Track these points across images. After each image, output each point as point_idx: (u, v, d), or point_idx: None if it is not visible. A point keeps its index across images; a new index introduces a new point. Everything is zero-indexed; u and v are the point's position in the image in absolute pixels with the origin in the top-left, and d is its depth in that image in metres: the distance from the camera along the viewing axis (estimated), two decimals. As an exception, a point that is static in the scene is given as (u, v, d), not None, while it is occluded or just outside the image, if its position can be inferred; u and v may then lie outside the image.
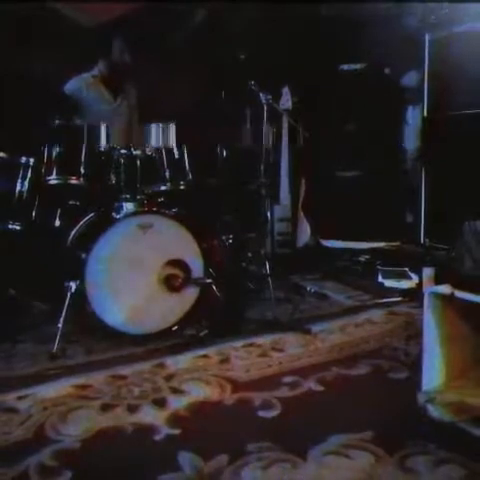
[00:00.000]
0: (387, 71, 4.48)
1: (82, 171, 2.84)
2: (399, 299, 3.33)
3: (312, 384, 2.20)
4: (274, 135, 4.14)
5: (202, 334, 2.72)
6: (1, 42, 3.75)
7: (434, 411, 1.80)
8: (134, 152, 2.89)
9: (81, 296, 2.58)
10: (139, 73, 3.86)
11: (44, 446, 1.75)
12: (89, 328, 2.72)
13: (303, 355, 2.53)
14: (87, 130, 2.87)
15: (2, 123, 3.15)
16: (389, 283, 3.60)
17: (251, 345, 2.65)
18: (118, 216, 2.78)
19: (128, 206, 2.84)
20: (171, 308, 2.78)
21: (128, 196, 2.86)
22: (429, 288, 1.87)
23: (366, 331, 2.84)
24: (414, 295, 3.28)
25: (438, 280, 1.87)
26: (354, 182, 4.51)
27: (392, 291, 3.48)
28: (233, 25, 4.50)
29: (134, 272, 2.70)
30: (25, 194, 2.79)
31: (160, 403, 2.05)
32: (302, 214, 4.24)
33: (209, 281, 2.85)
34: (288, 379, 2.24)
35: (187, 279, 2.78)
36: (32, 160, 2.81)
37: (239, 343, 2.66)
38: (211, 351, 2.56)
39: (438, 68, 3.95)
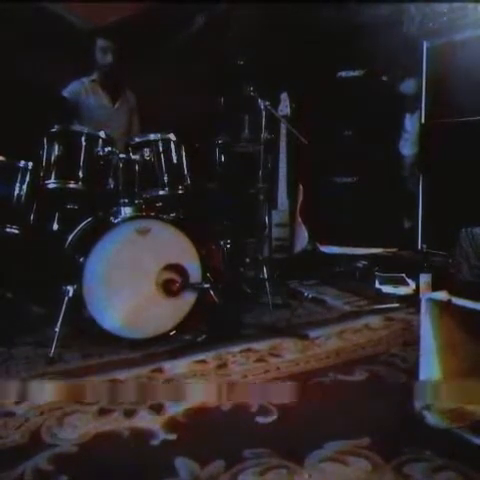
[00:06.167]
0: (385, 78, 4.50)
1: (80, 175, 2.84)
2: (396, 305, 3.34)
3: (309, 390, 2.19)
4: (272, 141, 4.15)
5: (199, 339, 2.72)
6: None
7: (431, 418, 1.80)
8: (132, 156, 2.89)
9: (78, 300, 2.58)
10: (137, 77, 3.87)
11: (40, 450, 1.75)
12: (86, 332, 2.71)
13: (300, 361, 2.53)
14: (86, 134, 2.88)
15: (1, 127, 3.14)
16: (386, 289, 3.60)
17: (248, 350, 2.65)
18: (116, 220, 2.78)
19: (126, 210, 2.84)
20: (169, 313, 2.78)
21: (126, 200, 2.86)
22: (426, 294, 1.87)
23: (363, 337, 2.84)
24: (411, 301, 3.29)
25: (435, 286, 1.87)
26: (352, 188, 4.52)
27: (389, 297, 3.49)
28: (232, 30, 4.52)
29: (132, 276, 2.70)
30: (23, 198, 2.78)
31: (157, 408, 2.04)
32: (300, 219, 4.25)
33: (207, 286, 2.85)
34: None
35: (185, 284, 2.78)
36: (30, 164, 2.81)
37: (236, 348, 2.66)
38: (208, 356, 2.56)
39: (436, 75, 3.97)
